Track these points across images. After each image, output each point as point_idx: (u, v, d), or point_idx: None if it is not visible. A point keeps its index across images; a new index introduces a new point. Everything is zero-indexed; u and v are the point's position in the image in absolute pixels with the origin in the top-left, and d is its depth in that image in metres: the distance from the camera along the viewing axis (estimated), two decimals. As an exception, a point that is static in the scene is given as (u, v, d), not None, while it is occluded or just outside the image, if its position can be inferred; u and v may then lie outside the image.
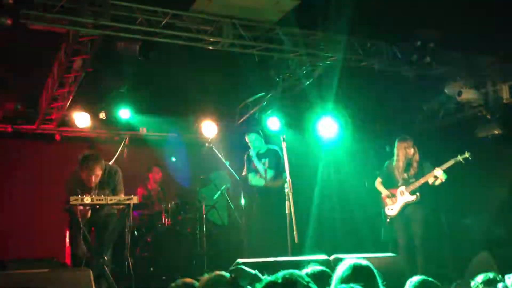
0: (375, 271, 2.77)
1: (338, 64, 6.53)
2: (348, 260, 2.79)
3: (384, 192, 6.60)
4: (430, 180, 6.20)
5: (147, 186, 8.13)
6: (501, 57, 7.07)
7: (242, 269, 3.06)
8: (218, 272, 2.94)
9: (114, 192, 5.55)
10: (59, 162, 5.89)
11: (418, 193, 6.27)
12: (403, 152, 6.37)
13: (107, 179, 5.52)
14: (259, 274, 3.00)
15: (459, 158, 6.09)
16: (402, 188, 6.39)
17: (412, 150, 6.36)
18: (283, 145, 5.73)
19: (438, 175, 6.10)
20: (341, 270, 2.74)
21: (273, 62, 6.94)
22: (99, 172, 5.34)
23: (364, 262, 2.79)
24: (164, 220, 7.26)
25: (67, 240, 6.75)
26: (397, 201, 6.43)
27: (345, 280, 2.68)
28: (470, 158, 6.06)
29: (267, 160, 6.70)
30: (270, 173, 6.69)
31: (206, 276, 2.91)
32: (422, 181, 6.23)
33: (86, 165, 5.30)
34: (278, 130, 7.75)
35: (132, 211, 5.31)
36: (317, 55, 6.41)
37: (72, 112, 7.57)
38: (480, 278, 3.22)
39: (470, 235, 7.54)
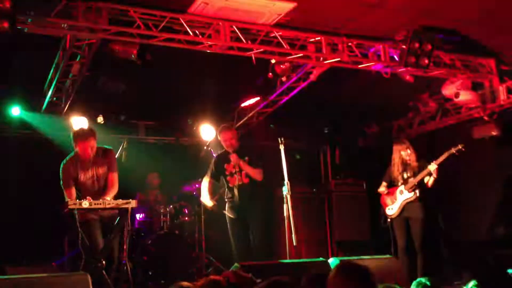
0: (371, 273, 2.72)
1: (335, 66, 6.54)
2: (344, 262, 2.74)
3: (385, 190, 6.64)
4: (426, 179, 6.23)
5: (145, 190, 8.13)
6: (498, 58, 7.09)
7: (236, 272, 3.07)
8: (213, 277, 2.94)
9: (108, 169, 5.55)
10: (58, 166, 5.89)
11: (417, 191, 6.29)
12: (397, 154, 6.48)
13: (102, 158, 5.54)
14: (254, 277, 3.00)
15: (453, 150, 6.13)
16: (402, 187, 6.43)
17: (407, 151, 6.41)
18: (281, 147, 5.72)
19: (432, 169, 6.14)
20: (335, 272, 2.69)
21: (271, 65, 6.94)
22: (93, 143, 5.37)
23: (360, 263, 2.75)
24: (163, 223, 7.26)
25: (66, 244, 6.76)
26: (397, 201, 6.46)
27: (339, 282, 2.64)
28: (463, 149, 6.09)
29: (246, 158, 6.13)
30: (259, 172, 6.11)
31: (201, 281, 2.91)
32: (419, 177, 6.26)
33: (80, 137, 5.33)
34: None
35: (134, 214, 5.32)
36: (315, 58, 6.41)
37: (69, 116, 7.56)
38: (472, 283, 3.20)
39: (468, 236, 7.54)
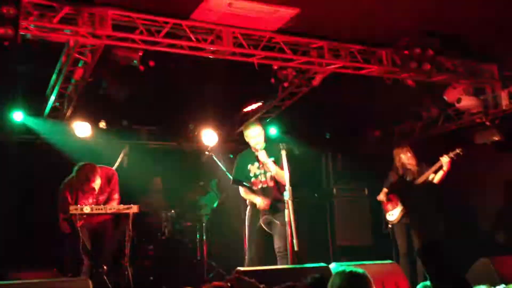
0: (370, 279, 2.74)
1: (338, 72, 6.54)
2: (344, 268, 2.77)
3: (385, 198, 6.63)
4: (431, 177, 6.23)
5: (148, 195, 8.13)
6: (500, 63, 7.09)
7: (240, 277, 3.06)
8: (216, 283, 2.94)
9: (109, 195, 5.56)
10: (59, 171, 5.91)
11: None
12: (399, 158, 6.50)
13: (106, 185, 5.55)
14: (257, 283, 3.00)
15: (451, 154, 6.13)
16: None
17: (408, 155, 6.44)
18: (283, 153, 5.69)
19: (444, 162, 6.11)
20: (335, 278, 2.72)
21: (273, 71, 6.94)
22: (98, 180, 5.37)
23: (360, 270, 2.77)
24: (164, 228, 7.26)
25: (67, 249, 6.75)
26: (398, 207, 6.46)
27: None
28: (461, 153, 6.08)
29: (273, 158, 5.57)
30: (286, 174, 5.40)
31: (203, 287, 2.91)
32: (420, 180, 6.27)
33: (84, 176, 5.31)
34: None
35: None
36: (317, 63, 6.42)
37: (72, 121, 7.58)
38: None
39: (470, 241, 7.52)
